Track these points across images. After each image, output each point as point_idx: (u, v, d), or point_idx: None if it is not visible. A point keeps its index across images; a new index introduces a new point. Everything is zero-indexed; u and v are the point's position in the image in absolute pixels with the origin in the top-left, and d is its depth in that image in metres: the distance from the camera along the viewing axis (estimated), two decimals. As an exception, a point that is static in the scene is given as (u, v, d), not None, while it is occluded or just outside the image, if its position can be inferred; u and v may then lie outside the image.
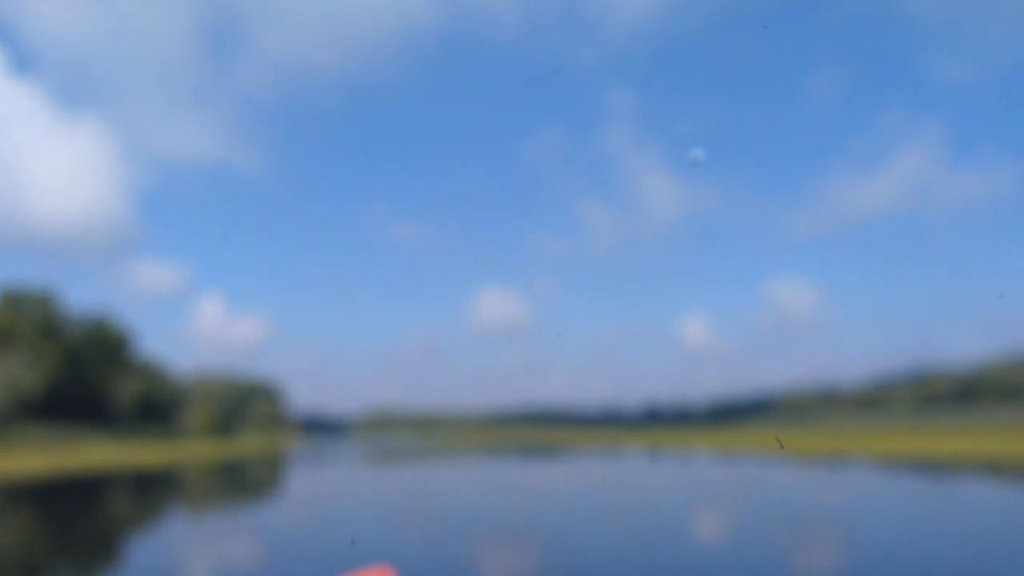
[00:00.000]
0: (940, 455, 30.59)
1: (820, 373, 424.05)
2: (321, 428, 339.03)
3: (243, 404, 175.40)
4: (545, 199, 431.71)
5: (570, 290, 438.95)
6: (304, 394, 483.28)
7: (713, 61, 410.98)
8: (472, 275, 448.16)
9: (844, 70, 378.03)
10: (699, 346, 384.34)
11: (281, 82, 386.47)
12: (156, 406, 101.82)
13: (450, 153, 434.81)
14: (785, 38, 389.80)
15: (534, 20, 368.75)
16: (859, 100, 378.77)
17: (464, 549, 10.66)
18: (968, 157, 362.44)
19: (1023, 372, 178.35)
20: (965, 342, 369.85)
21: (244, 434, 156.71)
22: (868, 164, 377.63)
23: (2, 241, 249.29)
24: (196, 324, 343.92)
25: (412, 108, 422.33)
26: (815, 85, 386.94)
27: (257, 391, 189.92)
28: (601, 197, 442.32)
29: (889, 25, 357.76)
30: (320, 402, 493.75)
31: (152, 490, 27.98)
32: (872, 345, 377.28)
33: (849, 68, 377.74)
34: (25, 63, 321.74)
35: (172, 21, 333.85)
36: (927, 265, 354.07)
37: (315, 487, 28.73)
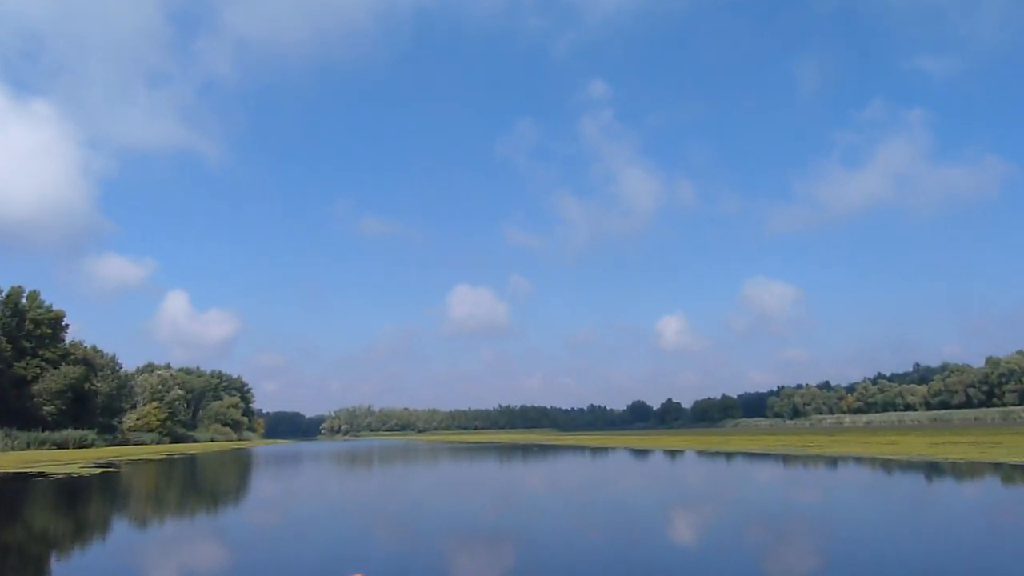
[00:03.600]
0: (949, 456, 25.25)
1: (800, 372, 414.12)
2: (291, 428, 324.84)
3: (203, 401, 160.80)
4: (519, 194, 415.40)
5: (545, 288, 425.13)
6: (273, 394, 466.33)
7: (691, 53, 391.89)
8: (444, 272, 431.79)
9: (827, 63, 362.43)
10: (676, 345, 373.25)
11: (246, 64, 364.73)
12: (92, 401, 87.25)
13: (422, 145, 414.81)
14: (766, 29, 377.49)
15: (514, 1, 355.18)
16: (842, 93, 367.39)
17: (434, 555, 10.06)
18: (952, 151, 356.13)
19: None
20: (944, 341, 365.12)
21: (204, 432, 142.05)
22: (851, 159, 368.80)
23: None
24: (161, 321, 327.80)
25: (384, 96, 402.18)
26: (797, 78, 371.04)
27: (220, 388, 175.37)
28: (577, 192, 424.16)
29: (872, 17, 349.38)
30: (290, 402, 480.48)
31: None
32: (855, 344, 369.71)
33: (832, 61, 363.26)
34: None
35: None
36: (910, 263, 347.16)
37: (268, 495, 21.50)
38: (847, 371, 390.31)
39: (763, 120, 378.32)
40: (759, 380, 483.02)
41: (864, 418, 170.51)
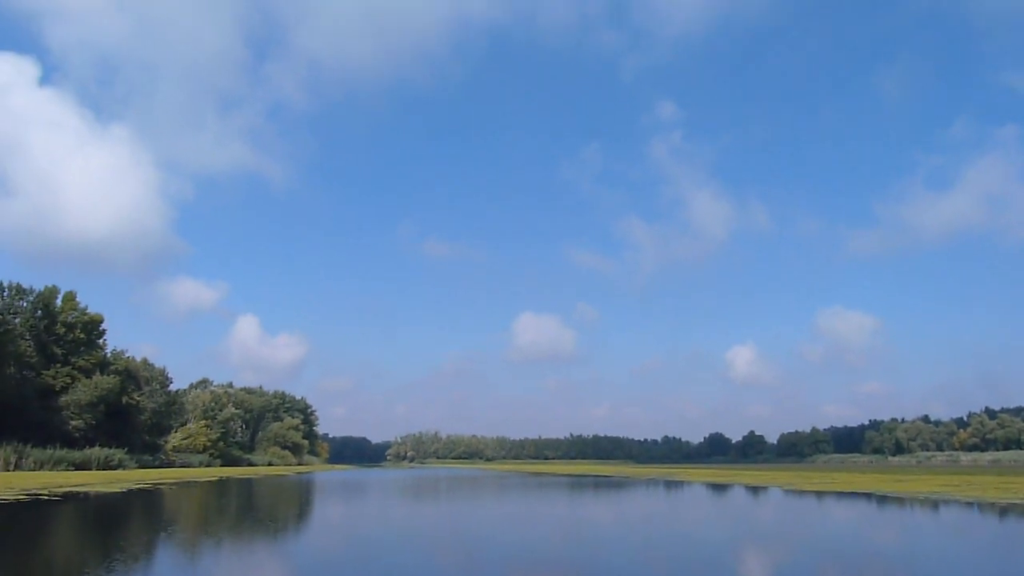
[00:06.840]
0: None
1: (880, 406, 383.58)
2: (357, 454, 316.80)
3: (263, 422, 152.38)
4: (586, 218, 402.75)
5: (612, 315, 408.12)
6: (341, 419, 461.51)
7: (764, 70, 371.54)
8: (510, 297, 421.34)
9: (909, 81, 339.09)
10: (746, 376, 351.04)
11: (314, 86, 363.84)
12: (133, 417, 78.44)
13: (488, 168, 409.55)
14: (844, 45, 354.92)
15: (586, 14, 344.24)
16: (926, 111, 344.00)
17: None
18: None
19: None
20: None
21: (261, 456, 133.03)
22: (936, 180, 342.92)
23: (34, 251, 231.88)
24: (232, 345, 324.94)
25: (451, 118, 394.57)
26: (878, 96, 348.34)
27: (281, 409, 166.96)
28: (645, 216, 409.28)
29: (957, 33, 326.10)
30: (357, 427, 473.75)
31: None
32: (937, 378, 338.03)
33: (915, 78, 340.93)
34: (50, 70, 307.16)
35: (200, 21, 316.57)
36: (999, 290, 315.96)
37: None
38: (930, 407, 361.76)
39: (842, 139, 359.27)
40: (835, 413, 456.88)
41: (987, 456, 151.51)
